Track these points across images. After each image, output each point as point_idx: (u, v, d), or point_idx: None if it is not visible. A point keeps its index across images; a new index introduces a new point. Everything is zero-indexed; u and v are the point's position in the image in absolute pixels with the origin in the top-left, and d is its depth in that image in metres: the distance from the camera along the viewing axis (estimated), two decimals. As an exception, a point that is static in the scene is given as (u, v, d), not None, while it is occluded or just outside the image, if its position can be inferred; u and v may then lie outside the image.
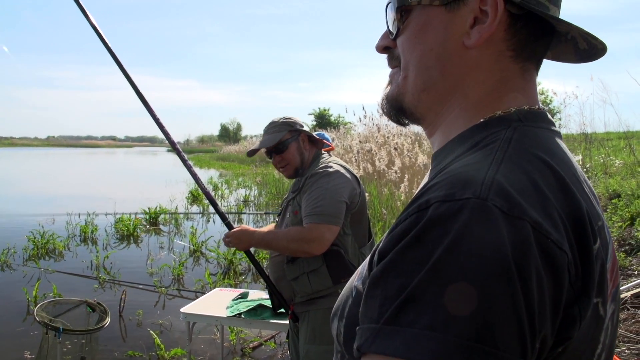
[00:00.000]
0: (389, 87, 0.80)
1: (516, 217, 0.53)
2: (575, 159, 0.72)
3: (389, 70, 0.82)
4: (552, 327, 0.54)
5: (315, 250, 2.30)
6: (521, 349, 0.50)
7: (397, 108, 0.79)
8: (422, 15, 0.73)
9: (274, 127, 2.55)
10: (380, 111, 0.85)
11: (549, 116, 0.73)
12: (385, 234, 0.62)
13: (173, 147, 2.66)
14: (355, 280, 0.74)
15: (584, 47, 0.75)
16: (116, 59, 2.50)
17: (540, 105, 0.74)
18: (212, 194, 2.66)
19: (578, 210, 0.59)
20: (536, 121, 0.70)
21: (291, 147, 2.52)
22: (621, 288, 3.87)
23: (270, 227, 2.69)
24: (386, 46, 0.80)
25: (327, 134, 3.95)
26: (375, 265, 0.60)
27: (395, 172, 8.69)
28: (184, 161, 2.62)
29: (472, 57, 0.71)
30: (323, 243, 2.29)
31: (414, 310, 0.51)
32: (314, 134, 2.74)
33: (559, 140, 0.71)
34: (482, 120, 0.71)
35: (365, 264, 0.72)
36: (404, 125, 0.82)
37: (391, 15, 0.76)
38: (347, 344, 0.69)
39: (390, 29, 0.77)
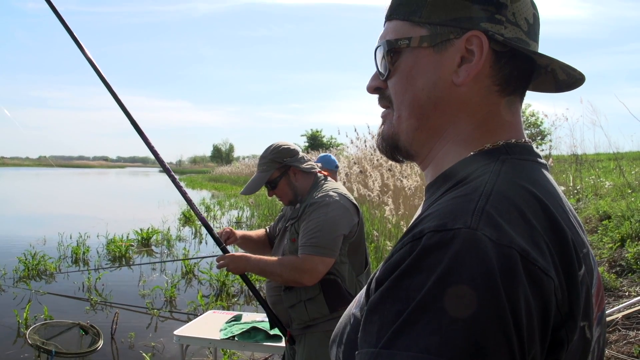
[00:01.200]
0: (383, 127, 0.84)
1: (505, 245, 0.57)
2: (561, 189, 0.77)
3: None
4: (541, 350, 0.58)
5: (307, 282, 2.31)
6: None
7: (392, 146, 0.83)
8: (411, 57, 0.77)
9: (262, 165, 2.56)
10: (376, 148, 0.89)
11: (534, 149, 0.78)
12: (382, 263, 0.65)
13: (168, 173, 2.60)
14: (353, 307, 0.77)
15: (563, 78, 0.80)
16: (107, 84, 2.48)
17: (526, 138, 0.79)
18: (204, 216, 2.65)
19: (563, 239, 0.63)
20: (523, 154, 0.75)
21: (281, 183, 2.54)
22: (612, 309, 3.91)
23: (258, 232, 2.69)
24: (377, 87, 0.84)
25: (334, 156, 3.95)
26: (372, 292, 0.63)
27: (381, 194, 8.72)
28: (179, 188, 2.57)
29: (462, 93, 0.75)
30: (315, 275, 2.30)
31: (410, 334, 0.54)
32: (320, 156, 2.76)
33: (545, 172, 0.75)
34: (471, 153, 0.75)
35: (362, 291, 0.75)
36: (398, 161, 0.87)
37: (381, 57, 0.81)
38: None
39: (381, 70, 0.82)
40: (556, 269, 0.60)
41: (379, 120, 0.86)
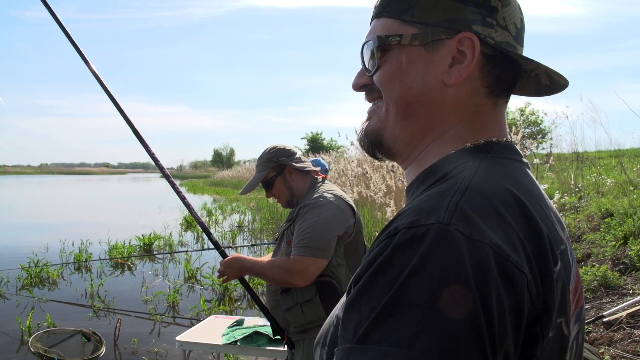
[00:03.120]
0: (367, 122, 0.84)
1: (477, 240, 0.57)
2: (542, 187, 0.77)
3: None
4: (515, 345, 0.58)
5: (298, 282, 2.30)
6: None
7: (375, 142, 0.83)
8: (401, 54, 0.77)
9: (259, 165, 2.59)
10: (358, 144, 0.89)
11: (516, 147, 0.79)
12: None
13: (167, 179, 2.66)
14: (337, 309, 0.78)
15: (545, 83, 0.81)
16: (107, 92, 2.52)
17: (509, 137, 0.80)
18: (206, 220, 2.67)
19: (539, 235, 0.64)
20: (503, 152, 0.76)
21: (276, 183, 2.55)
22: (617, 308, 3.89)
23: (268, 256, 2.70)
24: (363, 84, 0.84)
25: (324, 160, 3.95)
26: (351, 290, 0.64)
27: (385, 196, 8.72)
28: (178, 192, 2.63)
29: (451, 94, 0.76)
30: (306, 276, 2.29)
31: (383, 329, 0.55)
32: (310, 160, 2.76)
33: (525, 170, 0.76)
34: (452, 151, 0.76)
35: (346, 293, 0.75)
36: (378, 159, 0.87)
37: (369, 53, 0.81)
38: None
39: (368, 66, 0.82)
40: (530, 264, 0.60)
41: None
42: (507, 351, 0.57)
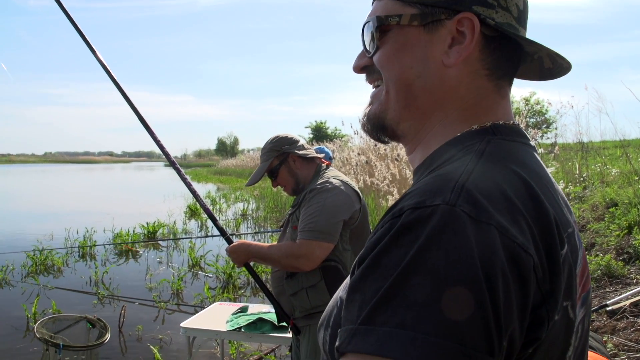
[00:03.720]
0: (369, 107, 0.83)
1: (483, 222, 0.57)
2: (550, 170, 0.77)
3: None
4: (520, 327, 0.57)
5: (304, 266, 2.31)
6: (488, 346, 0.53)
7: (378, 125, 0.82)
8: (400, 35, 0.76)
9: (263, 155, 2.61)
10: (362, 129, 0.88)
11: (523, 131, 0.78)
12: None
13: (173, 165, 2.69)
14: (340, 291, 0.77)
15: (549, 66, 0.80)
16: (113, 79, 2.53)
17: (515, 120, 0.78)
18: (210, 208, 2.69)
19: (545, 217, 0.63)
20: (510, 135, 0.74)
21: (281, 171, 2.57)
22: (620, 297, 3.89)
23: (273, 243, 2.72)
24: (364, 66, 0.83)
25: (327, 148, 3.96)
26: (355, 272, 0.63)
27: (390, 184, 8.71)
28: (184, 179, 2.65)
29: (451, 75, 0.75)
30: (312, 260, 2.29)
31: (387, 310, 0.54)
32: (314, 148, 2.76)
33: (532, 153, 0.75)
34: (458, 134, 0.75)
35: (349, 274, 0.75)
36: (383, 142, 0.86)
37: (369, 34, 0.80)
38: (332, 353, 0.72)
39: (368, 47, 0.81)
40: (536, 246, 0.59)
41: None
42: (512, 333, 0.56)
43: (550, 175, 0.74)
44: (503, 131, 0.74)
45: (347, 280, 0.76)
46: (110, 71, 2.52)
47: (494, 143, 0.71)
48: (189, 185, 2.65)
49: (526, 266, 0.57)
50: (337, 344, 0.60)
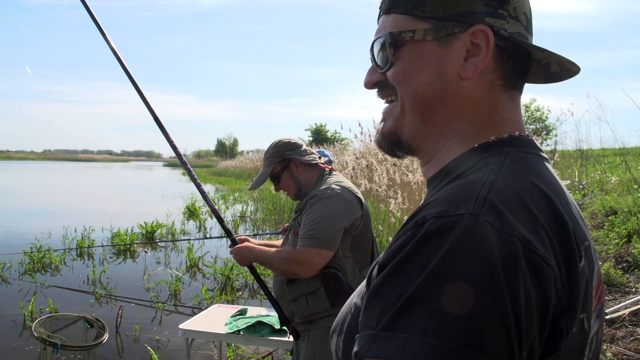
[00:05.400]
0: (383, 123, 0.83)
1: (506, 232, 0.58)
2: (564, 183, 0.77)
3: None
4: (540, 338, 0.58)
5: (303, 273, 2.31)
6: (509, 355, 0.54)
7: (394, 142, 0.82)
8: (415, 50, 0.77)
9: (265, 160, 2.62)
10: (376, 146, 0.88)
11: (537, 143, 0.79)
12: (384, 251, 0.66)
13: (184, 166, 2.71)
14: (354, 297, 0.77)
15: (555, 70, 0.81)
16: (131, 78, 2.53)
17: (528, 132, 0.79)
18: (207, 210, 2.71)
19: (565, 230, 0.64)
20: (526, 147, 0.75)
21: (283, 177, 2.58)
22: (619, 306, 3.89)
23: (277, 242, 2.72)
24: (376, 81, 0.83)
25: (328, 151, 3.96)
26: (374, 279, 0.64)
27: (390, 189, 8.70)
28: (194, 180, 2.68)
29: (468, 88, 0.75)
30: (311, 267, 2.29)
31: (409, 316, 0.55)
32: (315, 151, 2.76)
33: (547, 165, 0.76)
34: (476, 145, 0.75)
35: (364, 281, 0.75)
36: (399, 157, 0.86)
37: (380, 50, 0.80)
38: (345, 358, 0.72)
39: (380, 63, 0.81)
40: (557, 259, 0.60)
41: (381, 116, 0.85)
42: (532, 344, 0.57)
43: (564, 187, 0.74)
44: (519, 143, 0.75)
45: (361, 287, 0.76)
46: (128, 68, 2.52)
47: (512, 155, 0.72)
48: (198, 186, 2.66)
49: (547, 278, 0.58)
50: (355, 349, 0.60)
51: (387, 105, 0.83)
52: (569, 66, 0.78)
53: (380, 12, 0.83)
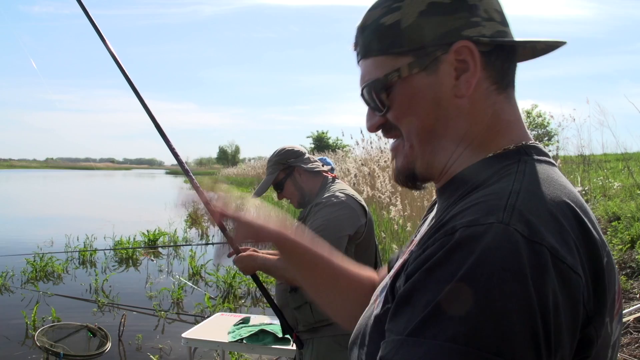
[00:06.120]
0: (395, 160, 0.84)
1: (536, 242, 0.58)
2: (577, 189, 0.77)
3: None
4: (570, 347, 0.58)
5: None
6: None
7: (410, 176, 0.82)
8: (406, 87, 0.76)
9: (268, 168, 2.61)
10: (394, 179, 0.88)
11: (544, 149, 0.79)
12: (411, 260, 0.66)
13: (187, 174, 2.69)
14: (374, 309, 0.76)
15: (542, 47, 0.81)
16: (130, 82, 2.53)
17: (531, 136, 0.80)
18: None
19: (590, 237, 0.64)
20: (538, 154, 0.75)
21: (287, 185, 2.57)
22: (623, 312, 3.86)
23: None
24: (379, 125, 0.83)
25: (330, 159, 3.96)
26: (400, 288, 0.64)
27: (393, 196, 8.69)
28: (197, 188, 2.67)
29: (466, 104, 0.75)
30: None
31: (438, 323, 0.55)
32: (317, 158, 2.76)
33: (559, 173, 0.76)
34: (490, 155, 0.75)
35: (383, 291, 0.76)
36: (419, 189, 0.86)
37: (372, 96, 0.79)
38: None
39: (375, 108, 0.81)
40: (583, 267, 0.60)
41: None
42: (562, 352, 0.57)
43: (579, 194, 0.75)
44: (531, 151, 0.75)
45: (379, 298, 0.76)
46: (127, 72, 2.51)
47: (530, 164, 0.72)
48: (201, 195, 2.66)
49: (575, 286, 0.59)
50: (380, 354, 0.60)
51: (393, 141, 0.84)
52: (553, 43, 0.79)
53: (357, 57, 0.83)
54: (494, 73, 0.76)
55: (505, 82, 0.77)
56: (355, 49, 0.83)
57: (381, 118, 0.81)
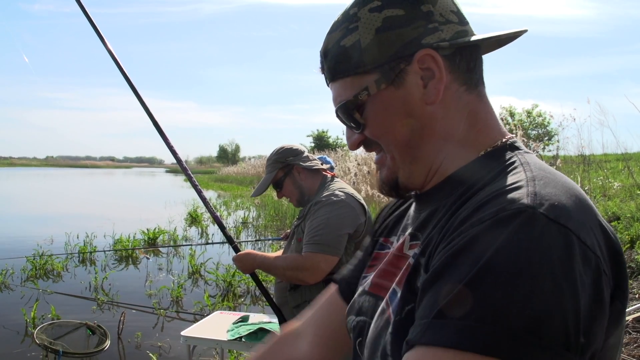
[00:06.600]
0: (379, 172, 0.86)
1: (561, 224, 0.60)
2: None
3: None
4: (600, 325, 0.60)
5: (309, 279, 2.30)
6: (565, 340, 0.55)
7: (394, 187, 0.84)
8: (376, 104, 0.79)
9: (267, 167, 2.62)
10: (378, 190, 0.91)
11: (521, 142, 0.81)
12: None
13: (185, 172, 2.73)
14: (388, 313, 0.76)
15: (506, 37, 0.82)
16: (129, 81, 2.55)
17: (506, 130, 0.83)
18: (208, 216, 2.71)
19: (599, 221, 0.67)
20: (523, 148, 0.78)
21: (286, 183, 2.57)
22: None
23: (277, 253, 2.72)
24: (359, 142, 0.85)
25: (329, 157, 3.96)
26: (420, 280, 0.67)
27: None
28: (195, 186, 2.68)
29: (439, 110, 0.77)
30: (317, 273, 2.28)
31: (465, 305, 0.56)
32: (317, 157, 2.76)
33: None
34: (482, 153, 0.77)
35: (392, 299, 0.76)
36: (406, 198, 0.89)
37: (346, 116, 0.82)
38: None
39: (353, 125, 0.83)
40: (600, 247, 0.62)
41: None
42: (591, 328, 0.58)
43: None
44: (517, 147, 0.78)
45: (392, 301, 0.76)
46: (125, 71, 2.53)
47: (524, 156, 0.74)
48: (199, 192, 2.67)
49: (597, 266, 0.60)
50: (408, 337, 0.61)
51: (377, 155, 0.86)
52: (516, 33, 0.80)
53: (326, 80, 0.85)
54: (460, 74, 0.78)
55: (474, 81, 0.79)
56: (322, 73, 0.85)
57: (360, 135, 0.83)
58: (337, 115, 0.84)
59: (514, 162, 0.72)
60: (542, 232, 0.58)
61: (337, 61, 0.80)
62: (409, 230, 0.84)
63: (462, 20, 0.78)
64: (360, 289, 0.92)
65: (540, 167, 0.71)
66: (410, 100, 0.77)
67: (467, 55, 0.78)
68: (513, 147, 0.77)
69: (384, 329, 0.75)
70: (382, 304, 0.79)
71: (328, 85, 0.85)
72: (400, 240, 0.85)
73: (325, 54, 0.83)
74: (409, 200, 0.93)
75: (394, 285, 0.78)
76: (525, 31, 0.80)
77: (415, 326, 0.61)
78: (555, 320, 0.55)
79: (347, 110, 0.81)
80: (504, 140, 0.78)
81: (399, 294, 0.74)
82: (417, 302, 0.65)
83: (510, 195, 0.63)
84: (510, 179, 0.68)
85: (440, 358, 0.56)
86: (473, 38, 0.77)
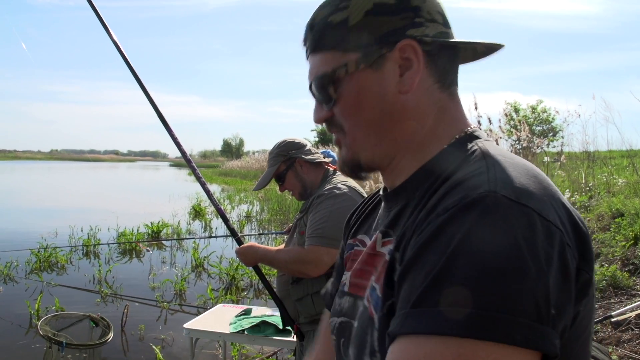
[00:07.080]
0: (340, 152, 0.88)
1: (523, 204, 0.62)
2: (556, 179, 0.82)
3: None
4: (568, 296, 0.62)
5: (312, 272, 2.30)
6: (538, 315, 0.57)
7: (355, 167, 0.86)
8: (353, 82, 0.81)
9: (270, 161, 2.62)
10: (339, 170, 0.93)
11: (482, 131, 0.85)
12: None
13: (189, 164, 2.73)
14: (372, 312, 0.77)
15: (482, 50, 0.85)
16: (137, 78, 2.55)
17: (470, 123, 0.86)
18: (212, 210, 2.72)
19: (560, 198, 0.69)
20: (483, 136, 0.82)
21: (288, 177, 2.57)
22: (625, 308, 3.86)
23: (280, 246, 2.72)
24: (325, 118, 0.86)
25: (333, 152, 3.95)
26: (396, 274, 0.67)
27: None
28: (199, 178, 2.69)
29: (411, 99, 0.79)
30: (320, 265, 2.28)
31: (438, 291, 0.58)
32: (320, 151, 2.75)
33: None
34: (445, 146, 0.80)
35: (371, 298, 0.78)
36: (361, 178, 0.90)
37: (320, 89, 0.83)
38: None
39: (323, 101, 0.85)
40: (562, 222, 0.65)
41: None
42: (560, 302, 0.60)
43: None
44: (479, 134, 0.82)
45: (372, 299, 0.78)
46: (131, 64, 2.54)
47: (485, 144, 0.77)
48: (203, 185, 2.68)
49: (561, 239, 0.63)
50: (389, 330, 0.63)
51: (335, 136, 0.87)
52: (493, 46, 0.83)
53: (307, 52, 0.87)
54: (436, 71, 0.80)
55: (448, 81, 0.82)
56: (304, 45, 0.87)
57: (328, 112, 0.85)
58: (310, 88, 0.86)
59: (474, 151, 0.75)
60: (505, 214, 0.60)
61: (321, 34, 0.82)
62: (380, 228, 0.85)
63: (446, 23, 0.81)
64: (339, 290, 0.94)
65: (499, 152, 0.73)
66: (385, 85, 0.79)
67: (445, 56, 0.81)
68: (473, 137, 0.80)
69: (368, 326, 0.77)
70: (364, 302, 0.81)
71: (307, 59, 0.87)
72: (372, 239, 0.86)
73: (311, 26, 0.85)
74: (374, 200, 0.97)
75: (372, 282, 0.80)
76: (501, 46, 0.83)
77: (395, 318, 0.63)
78: (526, 297, 0.57)
79: (323, 84, 0.82)
80: (466, 131, 0.81)
81: (378, 291, 0.76)
82: (395, 296, 0.67)
83: (472, 182, 0.66)
84: (471, 167, 0.70)
85: (422, 345, 0.58)
86: (453, 40, 0.80)
